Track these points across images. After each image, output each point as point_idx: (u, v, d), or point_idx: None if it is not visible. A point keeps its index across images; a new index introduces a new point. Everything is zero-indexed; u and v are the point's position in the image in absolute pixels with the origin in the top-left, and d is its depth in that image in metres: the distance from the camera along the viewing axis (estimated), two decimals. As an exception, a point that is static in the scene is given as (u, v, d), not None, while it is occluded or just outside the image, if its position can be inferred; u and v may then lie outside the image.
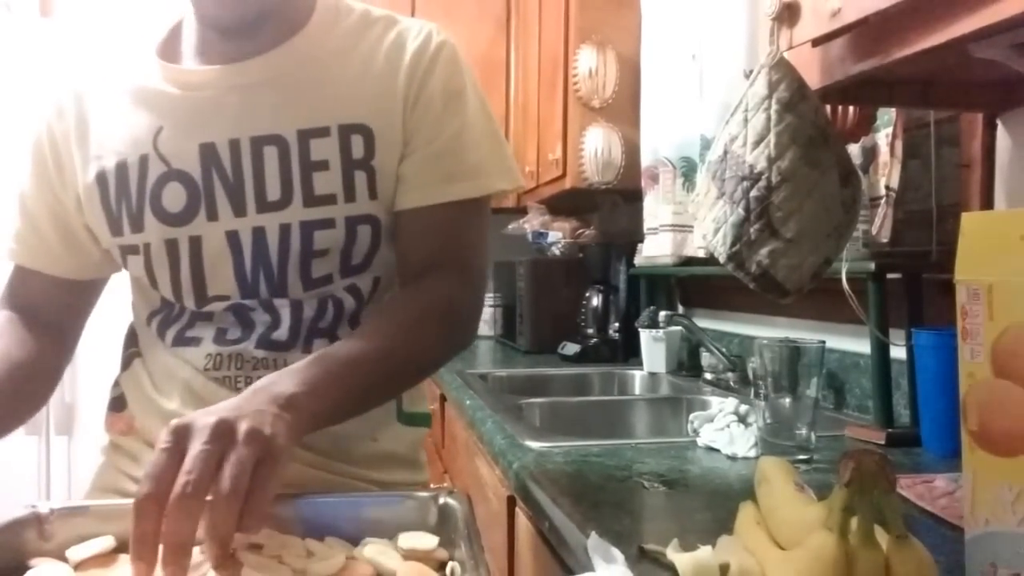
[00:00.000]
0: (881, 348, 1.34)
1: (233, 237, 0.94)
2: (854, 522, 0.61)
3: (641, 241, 2.33)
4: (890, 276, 1.32)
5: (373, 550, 0.71)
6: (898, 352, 1.33)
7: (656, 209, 2.21)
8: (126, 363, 1.06)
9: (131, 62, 1.01)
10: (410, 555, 0.72)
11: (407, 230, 0.98)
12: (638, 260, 2.40)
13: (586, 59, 2.53)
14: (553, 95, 2.65)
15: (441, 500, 0.77)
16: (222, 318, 0.97)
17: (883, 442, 1.28)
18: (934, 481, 1.00)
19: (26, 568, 0.68)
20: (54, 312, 1.04)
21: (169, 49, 1.01)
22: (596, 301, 2.66)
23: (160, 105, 0.96)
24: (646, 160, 2.28)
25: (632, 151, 2.45)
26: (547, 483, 1.07)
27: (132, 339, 1.07)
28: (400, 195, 0.97)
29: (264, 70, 0.96)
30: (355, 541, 0.74)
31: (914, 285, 1.33)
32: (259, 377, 0.90)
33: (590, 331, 2.65)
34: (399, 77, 0.97)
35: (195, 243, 0.95)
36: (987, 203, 1.27)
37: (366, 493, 0.95)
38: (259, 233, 0.94)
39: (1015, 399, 0.59)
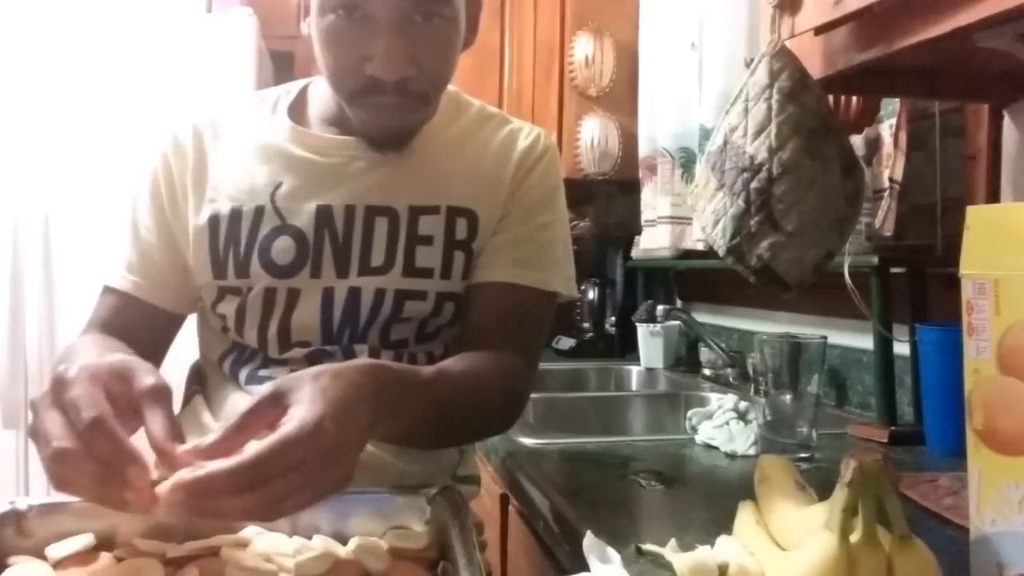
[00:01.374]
0: (884, 344, 1.33)
1: (328, 292, 0.98)
2: (856, 522, 0.60)
3: (638, 233, 2.32)
4: (893, 270, 1.32)
5: (362, 549, 0.70)
6: (901, 348, 1.32)
7: (654, 201, 2.20)
8: (186, 400, 1.09)
9: (259, 116, 1.06)
10: (399, 554, 0.70)
11: (482, 301, 1.02)
12: (635, 253, 2.39)
13: (582, 47, 2.51)
14: (548, 83, 2.63)
15: (432, 498, 0.76)
16: (295, 363, 0.99)
17: (886, 440, 1.27)
18: (938, 480, 1.00)
19: (4, 566, 0.67)
20: (151, 343, 1.04)
21: (297, 111, 1.06)
22: (592, 295, 2.65)
23: (283, 162, 1.01)
24: (644, 150, 2.27)
25: (629, 141, 2.44)
26: (541, 481, 1.06)
27: (196, 377, 1.12)
28: (481, 268, 1.03)
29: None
30: (344, 539, 0.73)
31: (918, 279, 1.32)
32: None
33: (586, 325, 2.64)
34: (507, 170, 1.04)
35: (292, 295, 0.99)
36: (993, 196, 1.27)
37: (356, 490, 0.93)
38: (354, 292, 0.98)
39: (1021, 396, 0.59)
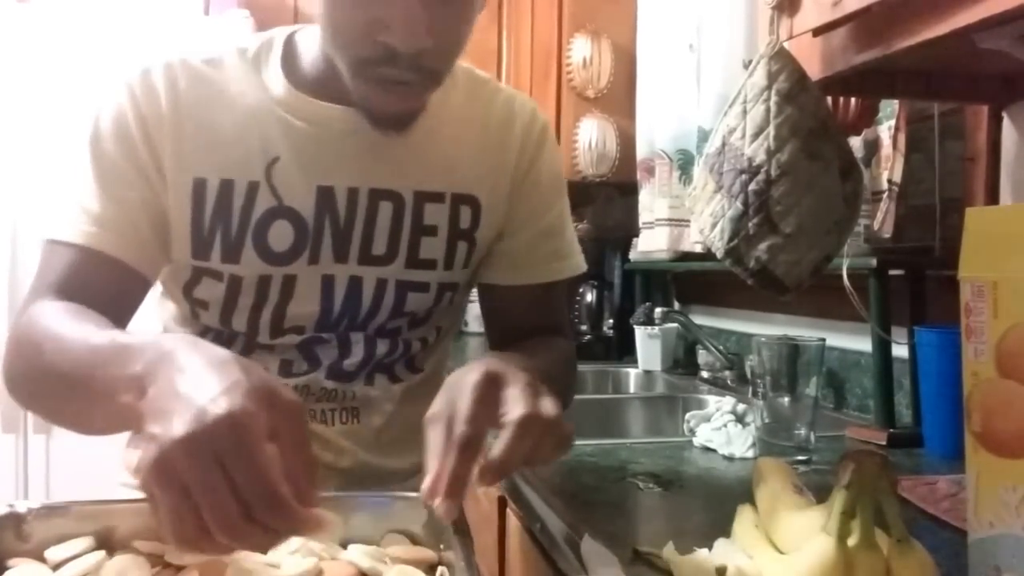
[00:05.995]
0: (883, 346, 1.32)
1: (328, 281, 0.93)
2: (854, 525, 0.60)
3: (636, 235, 2.31)
4: (892, 272, 1.32)
5: (359, 554, 0.70)
6: (900, 351, 1.32)
7: (652, 203, 2.19)
8: None
9: (242, 69, 0.92)
10: (398, 558, 0.70)
11: (515, 303, 1.03)
12: (633, 255, 2.38)
13: (580, 48, 2.51)
14: (546, 85, 2.63)
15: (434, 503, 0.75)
16: (285, 350, 0.96)
17: (884, 443, 1.27)
18: (936, 483, 0.99)
19: (3, 568, 0.67)
20: (116, 312, 0.87)
21: (287, 69, 0.92)
22: (590, 297, 2.65)
23: (279, 132, 0.90)
24: (642, 152, 2.27)
25: (627, 143, 2.43)
26: (539, 483, 1.06)
27: None
28: (506, 271, 1.01)
29: None
30: (343, 543, 0.72)
31: (917, 282, 1.32)
32: (321, 410, 0.97)
33: (584, 328, 2.64)
34: (510, 154, 0.99)
35: (288, 281, 0.92)
36: (992, 198, 1.26)
37: (354, 493, 0.93)
38: (355, 282, 0.94)
39: (1020, 399, 0.59)
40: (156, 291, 0.99)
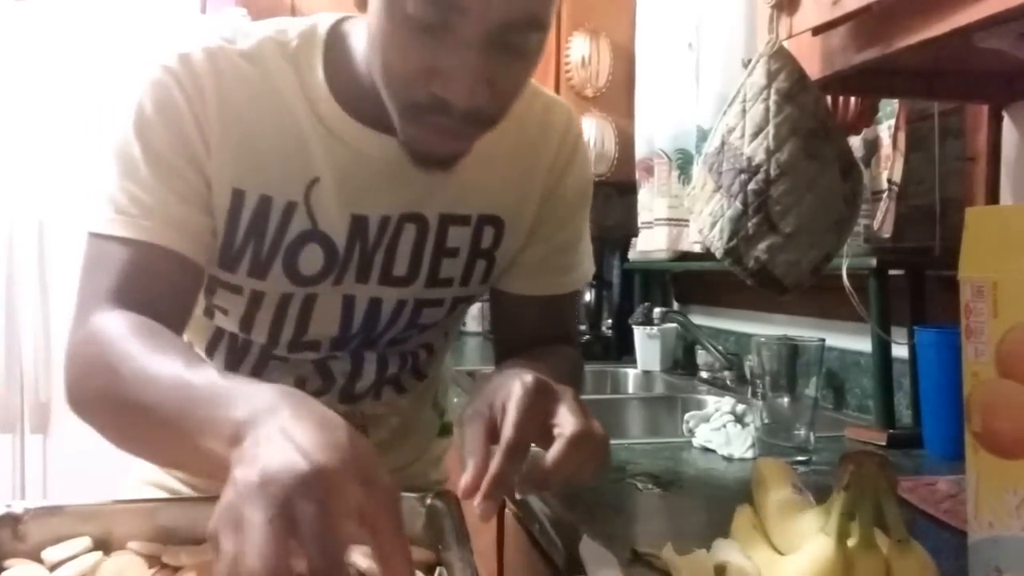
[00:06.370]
0: (882, 346, 1.32)
1: (348, 301, 0.91)
2: (854, 526, 0.60)
3: (635, 235, 2.31)
4: (892, 272, 1.31)
5: (357, 554, 0.69)
6: (900, 351, 1.32)
7: (651, 202, 2.19)
8: None
9: (286, 70, 0.84)
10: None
11: (525, 312, 1.01)
12: (632, 255, 2.38)
13: (579, 47, 2.50)
14: (545, 84, 2.60)
15: (428, 502, 0.75)
16: (300, 364, 0.96)
17: (884, 443, 1.27)
18: (936, 484, 0.99)
19: (0, 569, 0.66)
20: (179, 312, 0.83)
21: (333, 73, 0.84)
22: (589, 297, 2.64)
23: (321, 153, 0.84)
24: (641, 152, 2.26)
25: (626, 142, 2.43)
26: (538, 483, 1.05)
27: None
28: (519, 281, 0.99)
29: None
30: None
31: (916, 282, 1.32)
32: None
33: (582, 328, 2.63)
34: (540, 170, 0.96)
35: (309, 299, 0.90)
36: (992, 197, 1.26)
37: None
38: (375, 303, 0.92)
39: (1020, 400, 0.58)
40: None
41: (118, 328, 0.75)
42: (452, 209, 0.90)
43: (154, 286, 0.80)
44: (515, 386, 0.69)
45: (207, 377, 0.65)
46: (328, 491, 0.49)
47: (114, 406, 0.72)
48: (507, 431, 0.66)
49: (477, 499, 0.64)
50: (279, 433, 0.53)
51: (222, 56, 0.82)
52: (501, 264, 0.97)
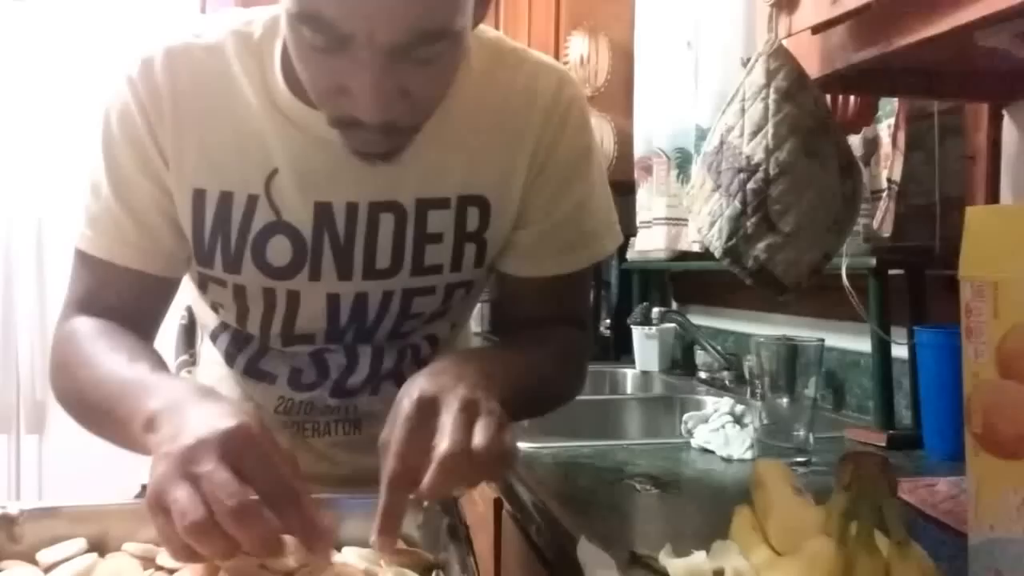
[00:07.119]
0: (882, 347, 1.32)
1: (333, 299, 0.92)
2: (853, 527, 0.60)
3: (634, 235, 2.30)
4: (892, 272, 1.31)
5: (355, 556, 0.69)
6: (900, 351, 1.32)
7: (649, 202, 2.19)
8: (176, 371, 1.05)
9: (246, 65, 0.86)
10: (393, 560, 0.69)
11: (523, 293, 0.99)
12: (630, 255, 2.38)
13: (577, 46, 2.50)
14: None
15: (425, 503, 0.75)
16: (296, 356, 0.97)
17: (884, 444, 1.26)
18: (936, 485, 0.99)
19: (-5, 570, 0.66)
20: (149, 315, 0.92)
21: (290, 62, 0.81)
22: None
23: (279, 144, 0.86)
24: (639, 151, 2.26)
25: (625, 141, 2.42)
26: (535, 485, 1.06)
27: (185, 345, 1.08)
28: (516, 261, 0.97)
29: None
30: (338, 544, 0.72)
31: (916, 281, 1.31)
32: (325, 423, 1.00)
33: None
34: (526, 145, 0.91)
35: (293, 296, 0.92)
36: (992, 196, 1.26)
37: (348, 494, 0.92)
38: (361, 298, 0.92)
39: (1021, 400, 0.58)
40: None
41: (82, 331, 0.87)
42: (428, 192, 0.89)
43: (116, 296, 0.90)
44: (399, 408, 0.69)
45: (138, 373, 0.76)
46: (252, 435, 0.61)
47: (76, 400, 0.85)
48: (388, 462, 0.66)
49: (372, 536, 0.65)
50: (191, 414, 0.63)
51: (183, 55, 0.86)
52: (494, 246, 0.95)
